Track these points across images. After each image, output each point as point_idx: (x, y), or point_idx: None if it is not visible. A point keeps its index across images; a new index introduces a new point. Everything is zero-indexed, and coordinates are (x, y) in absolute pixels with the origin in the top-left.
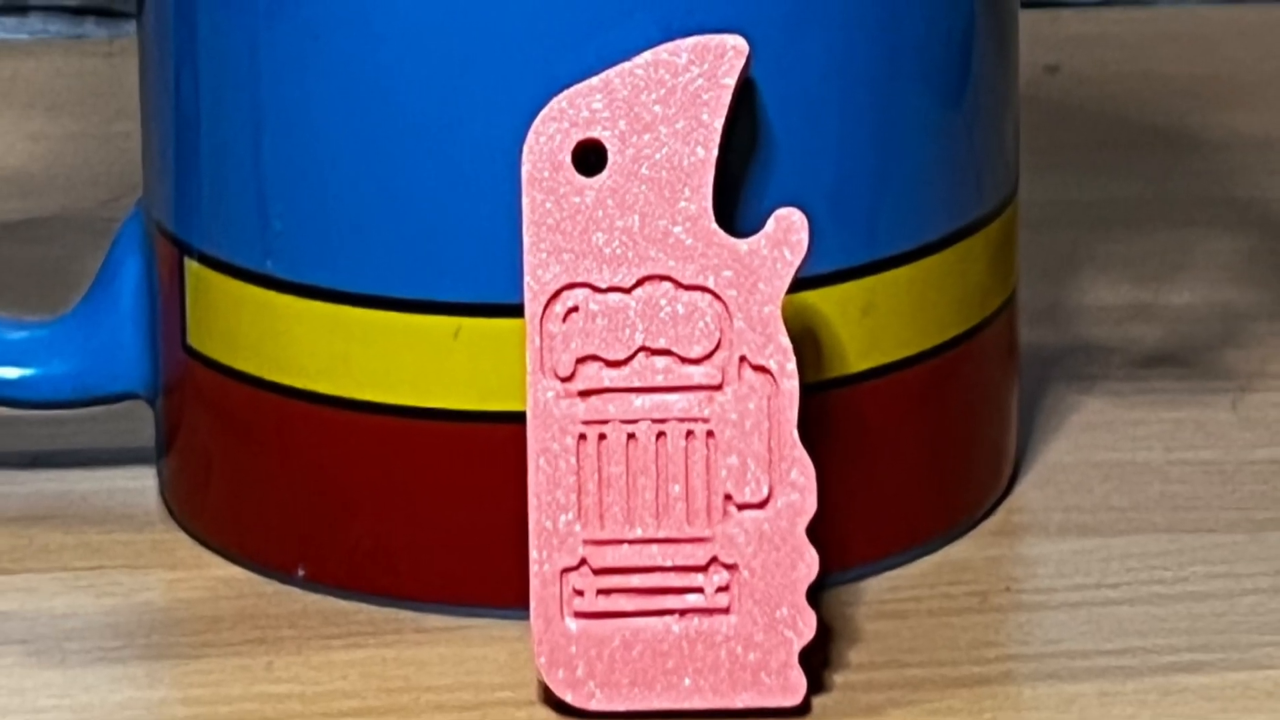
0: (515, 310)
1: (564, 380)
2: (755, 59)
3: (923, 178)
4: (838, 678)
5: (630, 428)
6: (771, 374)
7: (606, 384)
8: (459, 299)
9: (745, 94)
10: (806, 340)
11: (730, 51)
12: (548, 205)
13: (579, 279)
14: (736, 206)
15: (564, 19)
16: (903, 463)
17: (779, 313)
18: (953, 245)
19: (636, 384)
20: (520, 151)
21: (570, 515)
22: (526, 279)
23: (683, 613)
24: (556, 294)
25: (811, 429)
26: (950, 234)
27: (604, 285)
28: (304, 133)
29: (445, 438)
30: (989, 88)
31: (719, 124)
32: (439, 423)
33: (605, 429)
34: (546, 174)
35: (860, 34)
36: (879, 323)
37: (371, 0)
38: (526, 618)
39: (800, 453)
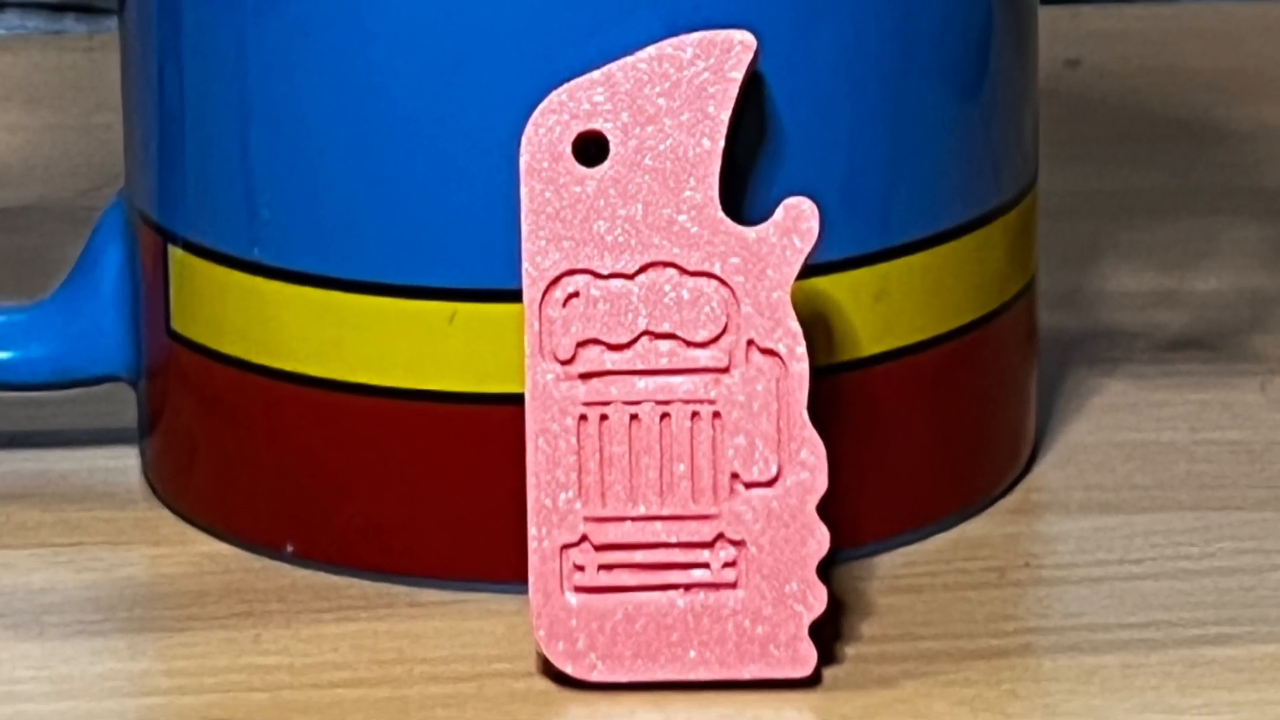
0: (512, 295)
1: (564, 363)
2: (764, 54)
3: (937, 169)
4: (849, 650)
5: (633, 408)
6: (780, 357)
7: (608, 367)
8: (454, 284)
9: (754, 87)
10: (818, 324)
11: (737, 46)
12: (547, 194)
13: (579, 265)
14: (745, 197)
15: (565, 16)
16: (916, 444)
17: (788, 298)
18: (969, 233)
19: (639, 366)
20: (518, 144)
21: (570, 493)
22: (525, 266)
23: (688, 587)
24: (556, 280)
25: (823, 410)
26: (966, 223)
27: (605, 271)
28: (294, 128)
29: (440, 419)
30: (1006, 81)
31: (725, 116)
32: (434, 404)
33: (607, 410)
34: (545, 164)
35: (873, 29)
36: (892, 308)
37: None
38: (525, 592)
39: (810, 432)
